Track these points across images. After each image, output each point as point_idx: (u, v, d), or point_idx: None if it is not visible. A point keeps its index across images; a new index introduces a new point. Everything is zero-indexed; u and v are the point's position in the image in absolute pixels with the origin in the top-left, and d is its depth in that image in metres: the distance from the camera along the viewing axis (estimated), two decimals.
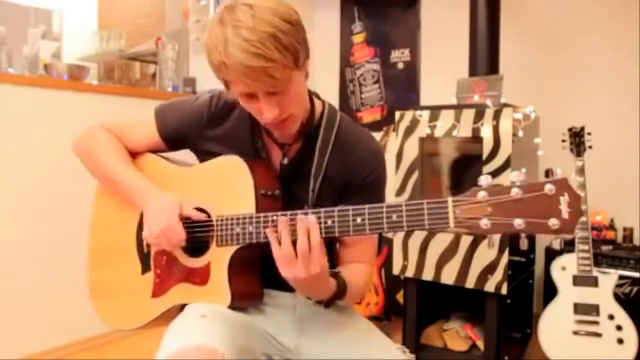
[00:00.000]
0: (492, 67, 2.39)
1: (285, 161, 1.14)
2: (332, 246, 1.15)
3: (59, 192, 2.39)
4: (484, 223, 0.84)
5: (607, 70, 2.66)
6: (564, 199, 0.81)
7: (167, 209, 1.08)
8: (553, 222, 0.80)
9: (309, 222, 0.94)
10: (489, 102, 2.20)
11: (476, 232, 0.84)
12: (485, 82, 2.30)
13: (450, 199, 0.86)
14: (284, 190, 1.10)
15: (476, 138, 2.15)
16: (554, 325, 2.06)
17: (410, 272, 2.29)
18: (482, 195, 0.84)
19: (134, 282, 1.19)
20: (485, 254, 2.12)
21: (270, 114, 1.00)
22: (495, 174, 2.04)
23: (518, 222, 0.82)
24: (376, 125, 3.18)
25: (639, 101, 2.57)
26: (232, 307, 1.04)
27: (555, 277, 2.11)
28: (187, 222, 1.13)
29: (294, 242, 0.94)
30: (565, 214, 0.80)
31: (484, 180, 0.85)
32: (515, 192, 0.83)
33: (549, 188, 0.81)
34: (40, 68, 2.68)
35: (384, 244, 2.72)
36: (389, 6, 3.31)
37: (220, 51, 0.93)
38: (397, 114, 2.35)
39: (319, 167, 1.11)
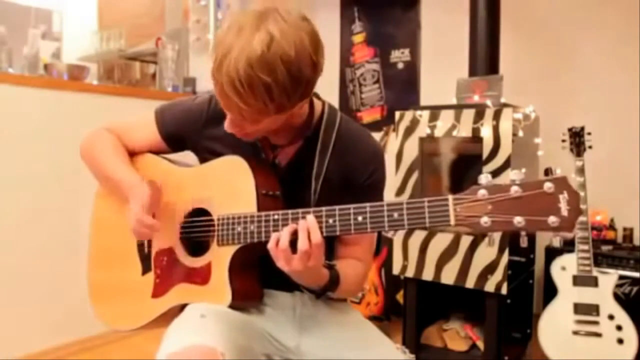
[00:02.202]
0: (492, 67, 2.39)
1: (285, 162, 1.14)
2: (332, 242, 1.15)
3: (59, 192, 2.39)
4: (484, 221, 0.84)
5: (608, 70, 2.66)
6: (563, 197, 0.81)
7: (134, 198, 1.10)
8: (552, 220, 0.81)
9: (308, 221, 0.94)
10: (489, 102, 2.20)
11: (476, 230, 0.84)
12: (485, 82, 2.30)
13: (450, 197, 0.86)
14: (285, 191, 1.10)
15: (476, 138, 2.15)
16: (554, 325, 2.06)
17: (410, 272, 2.29)
18: (482, 193, 0.85)
19: (134, 282, 1.19)
20: (485, 253, 2.12)
21: (228, 128, 1.02)
22: (495, 174, 2.04)
23: (518, 220, 0.83)
24: (376, 125, 3.17)
25: (639, 101, 2.57)
26: (233, 306, 1.04)
27: (555, 277, 2.11)
28: (188, 222, 1.14)
29: (295, 241, 0.94)
30: (564, 212, 0.81)
31: (484, 178, 0.86)
32: (515, 190, 0.83)
33: (548, 186, 0.82)
34: (40, 68, 2.68)
35: (384, 244, 2.72)
36: (389, 6, 3.31)
37: (217, 59, 0.91)
38: (397, 114, 2.35)
39: (319, 169, 1.11)
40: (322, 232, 0.95)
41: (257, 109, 0.92)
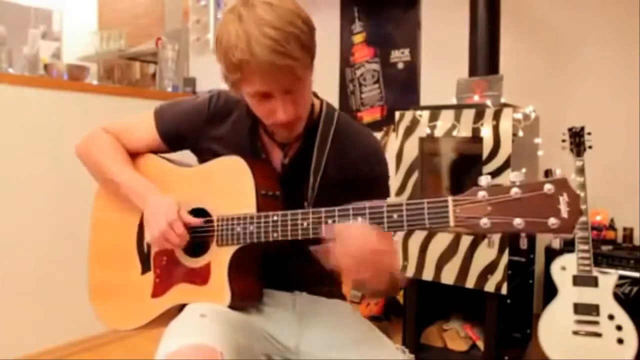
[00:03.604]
0: (492, 67, 2.39)
1: (286, 161, 1.14)
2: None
3: (58, 192, 2.39)
4: (484, 222, 0.84)
5: (607, 70, 2.66)
6: (563, 199, 0.81)
7: (167, 210, 1.08)
8: (552, 222, 0.81)
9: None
10: (489, 102, 2.20)
11: (476, 232, 0.84)
12: (485, 82, 2.30)
13: (450, 198, 0.86)
14: (284, 189, 1.10)
15: (476, 138, 2.15)
16: (554, 325, 2.06)
17: (410, 272, 2.29)
18: (482, 194, 0.85)
19: (134, 282, 1.19)
20: (485, 254, 2.12)
21: (285, 115, 1.01)
22: (495, 174, 2.04)
23: (518, 222, 0.82)
24: (376, 125, 3.17)
25: (639, 101, 2.57)
26: (232, 306, 1.04)
27: (555, 277, 2.11)
28: None
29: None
30: (564, 214, 0.81)
31: (484, 180, 0.85)
32: (514, 192, 0.83)
33: (548, 188, 0.82)
34: (40, 68, 2.68)
35: None
36: (389, 6, 3.31)
37: (242, 49, 0.92)
38: (397, 114, 2.35)
39: (318, 164, 1.12)
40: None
41: (302, 62, 0.95)
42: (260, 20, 0.92)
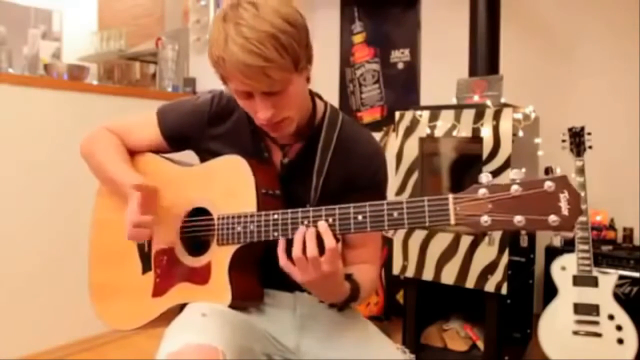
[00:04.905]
0: (492, 67, 2.39)
1: (286, 161, 1.14)
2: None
3: (59, 192, 2.39)
4: (484, 220, 0.84)
5: (607, 70, 2.66)
6: (564, 196, 0.81)
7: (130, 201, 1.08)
8: (553, 219, 0.81)
9: (320, 228, 0.94)
10: (489, 102, 2.20)
11: (477, 229, 0.84)
12: (485, 82, 2.30)
13: (450, 196, 0.86)
14: (286, 190, 1.11)
15: (476, 138, 2.15)
16: (554, 325, 2.06)
17: (410, 272, 2.29)
18: (482, 192, 0.85)
19: (134, 282, 1.19)
20: (485, 253, 2.12)
21: (264, 115, 1.00)
22: (495, 174, 2.04)
23: (518, 219, 0.82)
24: (376, 125, 3.17)
25: (638, 101, 2.57)
26: (233, 306, 1.04)
27: (555, 277, 2.11)
28: (188, 222, 1.14)
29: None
30: (565, 211, 0.81)
31: (484, 177, 0.85)
32: (515, 189, 0.83)
33: (548, 185, 0.82)
34: (40, 68, 2.69)
35: (384, 244, 2.72)
36: (389, 6, 3.30)
37: (219, 47, 0.94)
38: (397, 114, 2.35)
39: (321, 166, 1.12)
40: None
41: (278, 63, 0.93)
42: (240, 20, 0.93)
